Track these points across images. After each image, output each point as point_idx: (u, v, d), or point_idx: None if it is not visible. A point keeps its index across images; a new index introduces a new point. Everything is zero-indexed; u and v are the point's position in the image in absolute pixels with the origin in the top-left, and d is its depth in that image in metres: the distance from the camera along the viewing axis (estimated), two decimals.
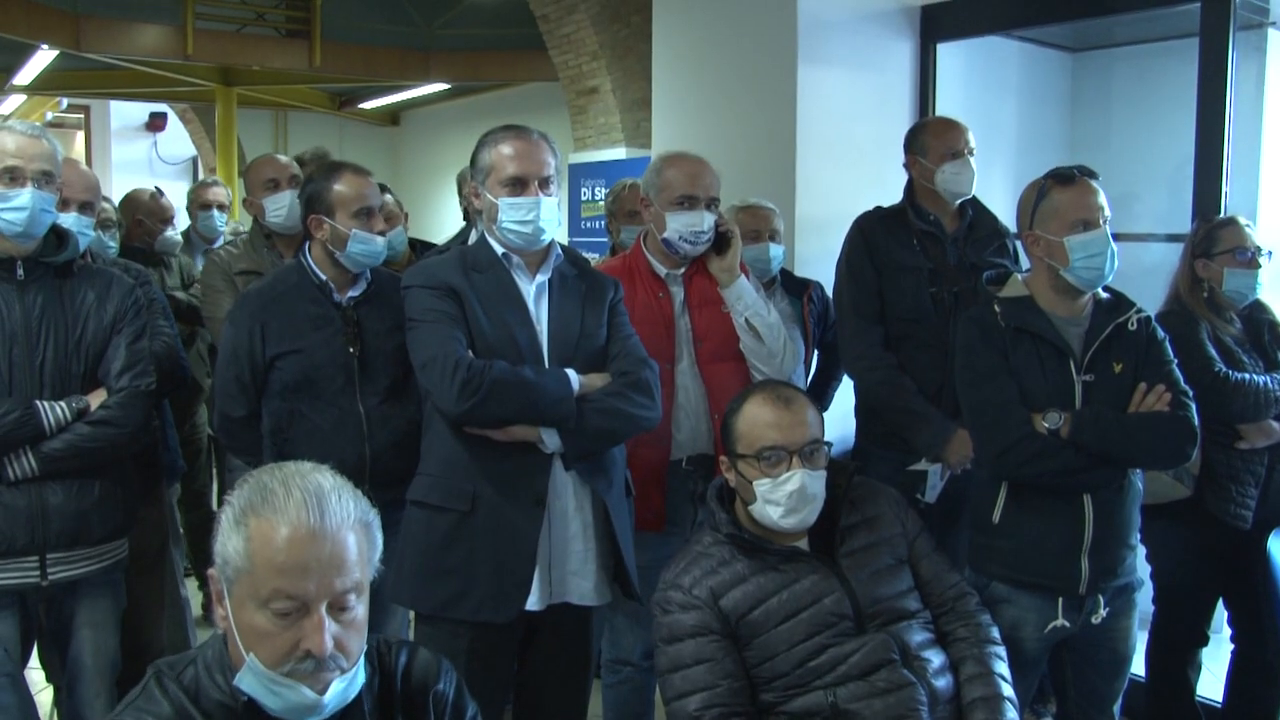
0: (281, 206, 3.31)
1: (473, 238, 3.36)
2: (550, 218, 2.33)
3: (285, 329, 2.56)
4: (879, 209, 3.15)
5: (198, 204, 4.65)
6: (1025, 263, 2.50)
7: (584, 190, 6.53)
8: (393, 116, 13.18)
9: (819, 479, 2.09)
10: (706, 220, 2.71)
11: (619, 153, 6.68)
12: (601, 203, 5.55)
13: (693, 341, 2.73)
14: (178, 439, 3.42)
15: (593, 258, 3.06)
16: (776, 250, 3.38)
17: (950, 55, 4.03)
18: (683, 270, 2.77)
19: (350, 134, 13.27)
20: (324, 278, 2.61)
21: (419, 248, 3.71)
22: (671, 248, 2.73)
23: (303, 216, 2.65)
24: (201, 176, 12.63)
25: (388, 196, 3.62)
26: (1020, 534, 2.30)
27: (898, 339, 3.02)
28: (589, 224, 6.52)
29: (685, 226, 2.69)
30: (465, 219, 4.29)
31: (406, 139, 13.12)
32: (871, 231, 3.07)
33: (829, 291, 3.45)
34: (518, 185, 2.30)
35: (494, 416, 2.20)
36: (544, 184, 2.32)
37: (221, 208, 4.69)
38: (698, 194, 2.70)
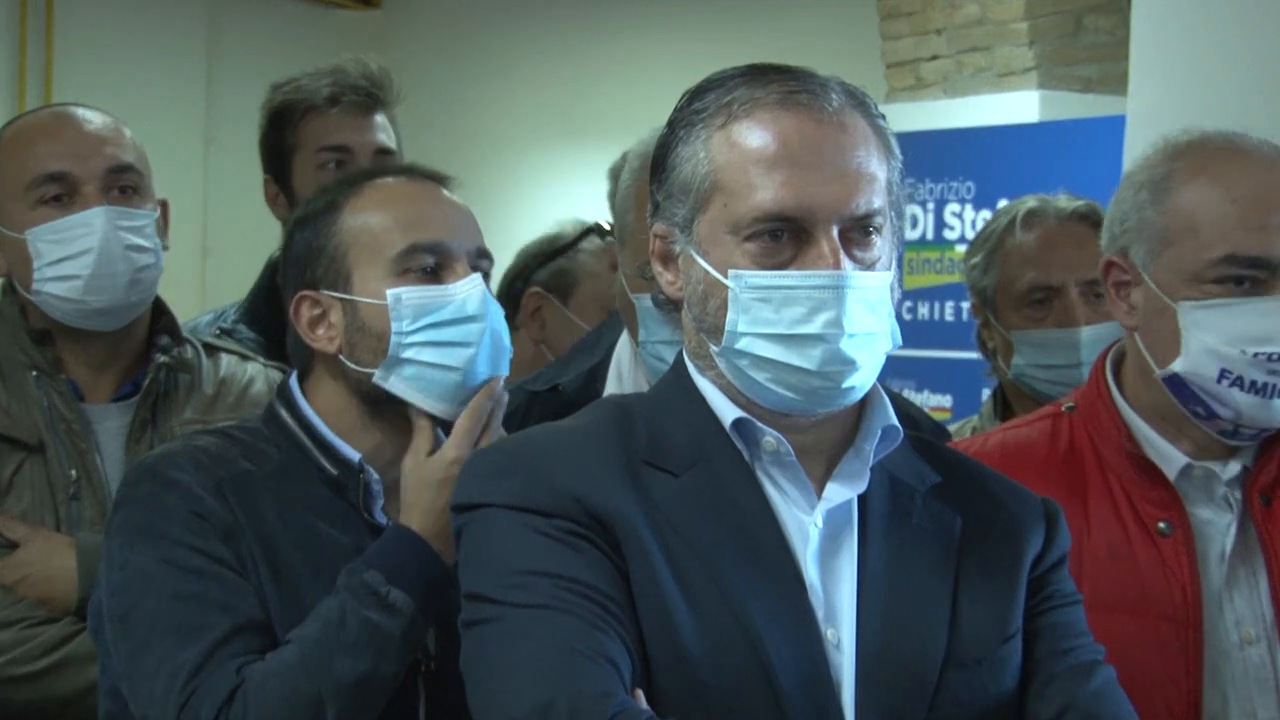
0: (83, 250, 3.14)
1: (622, 351, 3.30)
2: (874, 331, 1.97)
3: (280, 573, 2.42)
4: None
5: None
6: None
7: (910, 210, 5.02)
8: None
9: None
10: None
11: (1023, 107, 5.16)
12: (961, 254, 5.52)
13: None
14: None
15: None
16: None
17: None
18: (1238, 466, 2.47)
19: (259, 25, 11.35)
20: (348, 454, 2.44)
21: None
22: (1204, 403, 2.44)
23: (284, 285, 2.66)
24: None
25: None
26: None
27: None
28: (913, 304, 5.23)
29: (1251, 340, 2.38)
30: None
31: (397, 39, 12.83)
32: None
33: None
34: (779, 233, 1.96)
35: None
36: (861, 231, 1.98)
37: None
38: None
